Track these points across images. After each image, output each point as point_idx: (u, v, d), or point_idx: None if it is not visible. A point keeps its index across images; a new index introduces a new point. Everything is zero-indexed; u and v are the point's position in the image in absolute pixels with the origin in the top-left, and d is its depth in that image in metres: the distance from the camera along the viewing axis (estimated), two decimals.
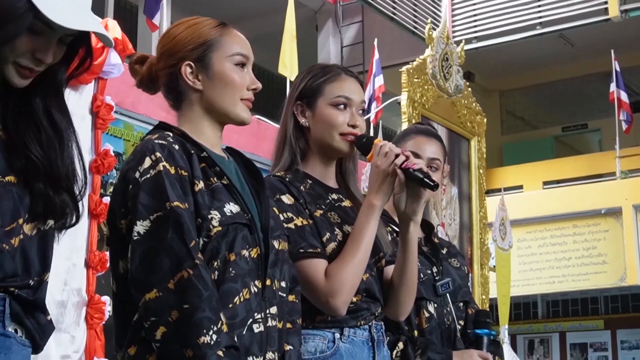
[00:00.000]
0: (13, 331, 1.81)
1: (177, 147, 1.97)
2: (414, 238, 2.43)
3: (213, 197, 1.96)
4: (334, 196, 2.45)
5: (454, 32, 13.50)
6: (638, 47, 13.40)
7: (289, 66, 8.55)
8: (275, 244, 2.06)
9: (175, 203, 1.88)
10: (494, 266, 7.07)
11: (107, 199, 4.71)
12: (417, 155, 2.89)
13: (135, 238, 1.87)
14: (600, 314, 14.61)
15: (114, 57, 4.97)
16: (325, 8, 13.04)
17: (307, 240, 2.27)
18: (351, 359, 2.31)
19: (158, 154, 1.93)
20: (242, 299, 1.93)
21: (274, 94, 10.76)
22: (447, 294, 2.93)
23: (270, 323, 1.99)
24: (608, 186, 12.52)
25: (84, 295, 4.83)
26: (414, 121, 5.05)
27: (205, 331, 1.79)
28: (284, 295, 2.07)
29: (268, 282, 2.00)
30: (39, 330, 1.86)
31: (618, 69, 12.56)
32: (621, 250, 11.95)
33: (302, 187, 2.38)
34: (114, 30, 5.23)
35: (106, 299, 4.74)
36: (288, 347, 2.06)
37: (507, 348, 7.20)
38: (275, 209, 2.18)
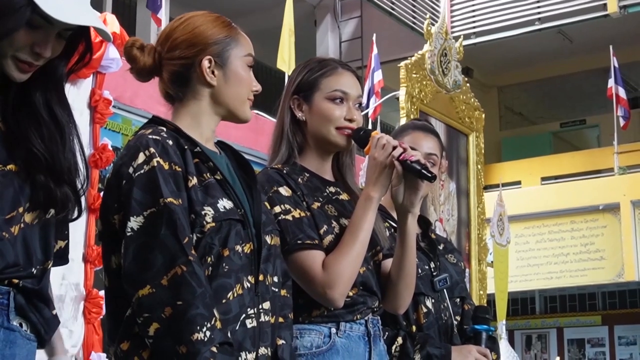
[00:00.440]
0: (18, 325, 1.82)
1: (170, 142, 1.96)
2: (412, 231, 2.42)
3: (206, 193, 1.96)
4: (331, 189, 2.44)
5: (452, 27, 13.50)
6: (637, 43, 13.41)
7: (287, 61, 8.55)
8: (268, 239, 2.06)
9: (169, 199, 1.87)
10: (492, 262, 7.07)
11: None
12: (414, 150, 2.90)
13: (128, 234, 1.87)
14: (597, 310, 14.64)
15: (112, 52, 4.97)
16: (324, 3, 13.03)
17: (304, 232, 2.27)
18: (347, 354, 2.30)
19: (152, 150, 1.92)
20: (235, 295, 1.93)
21: (272, 89, 10.76)
22: (445, 290, 2.94)
23: (263, 318, 1.99)
24: (606, 182, 12.54)
25: (81, 290, 4.84)
26: (412, 116, 5.06)
27: (198, 328, 1.79)
28: (277, 290, 2.07)
29: (261, 277, 2.01)
30: (44, 324, 1.87)
31: (616, 64, 12.56)
32: (619, 246, 11.96)
33: (299, 180, 2.38)
34: (113, 25, 5.22)
35: (104, 293, 4.74)
36: (280, 342, 2.07)
37: (504, 343, 7.20)
38: (266, 203, 2.18)
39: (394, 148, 2.31)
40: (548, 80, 16.44)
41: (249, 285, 1.97)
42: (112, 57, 4.99)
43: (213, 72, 2.07)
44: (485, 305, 5.12)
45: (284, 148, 2.45)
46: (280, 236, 2.20)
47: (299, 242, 2.25)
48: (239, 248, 1.96)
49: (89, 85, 5.24)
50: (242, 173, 2.13)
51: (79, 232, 4.73)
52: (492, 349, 2.94)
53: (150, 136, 1.96)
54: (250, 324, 1.95)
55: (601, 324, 14.40)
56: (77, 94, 5.12)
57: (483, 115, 6.08)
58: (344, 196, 2.46)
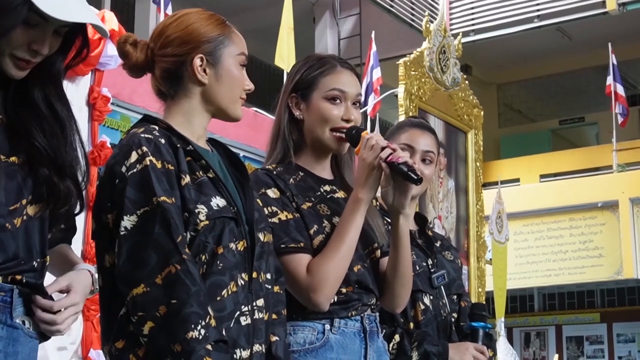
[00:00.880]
0: (20, 322, 1.83)
1: (163, 141, 1.97)
2: (405, 231, 2.41)
3: (199, 191, 1.96)
4: (327, 188, 2.43)
5: (451, 24, 13.49)
6: (635, 40, 13.41)
7: (286, 58, 8.54)
8: (261, 236, 2.06)
9: (162, 198, 1.88)
10: (491, 259, 7.08)
11: None
12: (411, 148, 2.90)
13: (122, 233, 1.87)
14: (596, 307, 14.64)
15: (110, 49, 4.96)
16: (323, 0, 13.02)
17: (289, 235, 2.26)
18: (342, 350, 2.30)
19: (144, 148, 1.92)
20: (229, 292, 1.94)
21: (271, 86, 10.76)
22: (442, 287, 2.94)
23: (257, 315, 2.00)
24: (605, 179, 12.53)
25: None
26: (411, 114, 5.06)
27: (193, 326, 1.80)
28: (270, 287, 2.08)
29: (254, 274, 2.01)
30: None
31: (615, 62, 12.55)
32: (617, 244, 11.96)
33: (291, 180, 2.37)
34: (111, 22, 5.22)
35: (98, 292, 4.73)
36: (274, 338, 2.07)
37: (503, 341, 7.21)
38: (259, 201, 2.18)
39: (383, 149, 2.29)
40: (547, 78, 16.43)
41: (242, 282, 1.98)
42: (110, 54, 4.99)
43: (205, 71, 2.07)
44: (482, 302, 5.12)
45: (279, 146, 2.44)
46: None
47: (282, 245, 2.25)
48: (232, 246, 1.97)
49: (87, 83, 5.24)
50: (234, 170, 2.13)
51: (78, 228, 4.73)
52: (489, 345, 2.94)
53: (142, 135, 1.96)
54: (244, 321, 1.96)
55: (600, 321, 14.40)
56: (76, 91, 5.12)
57: (482, 113, 6.08)
58: (340, 194, 2.44)
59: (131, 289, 1.84)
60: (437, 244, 3.06)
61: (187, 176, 1.96)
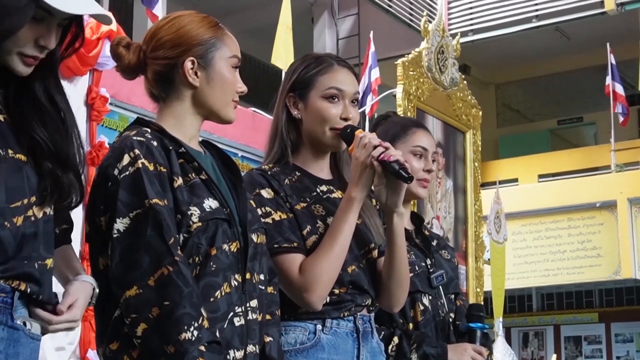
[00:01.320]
0: (21, 324, 1.83)
1: (155, 143, 1.97)
2: (400, 230, 2.40)
3: (192, 193, 1.97)
4: (323, 188, 2.43)
5: (449, 24, 13.49)
6: (634, 40, 13.39)
7: (284, 58, 8.53)
8: (254, 237, 2.07)
9: (154, 200, 1.89)
10: (489, 259, 7.08)
11: None
12: (425, 150, 2.91)
13: (115, 235, 1.88)
14: (594, 307, 14.65)
15: (109, 49, 4.96)
16: (321, 0, 13.02)
17: (283, 235, 2.27)
18: (333, 350, 2.31)
19: (137, 151, 1.93)
20: (223, 293, 1.95)
21: (269, 86, 10.75)
22: (440, 286, 2.94)
23: (250, 316, 2.01)
24: (603, 179, 12.53)
25: None
26: (409, 114, 5.05)
27: (186, 327, 1.81)
28: (263, 287, 2.08)
29: (248, 275, 2.02)
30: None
31: (614, 62, 12.56)
32: (616, 244, 11.96)
33: (286, 180, 2.37)
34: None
35: None
36: (268, 339, 2.08)
37: (501, 341, 7.21)
38: (252, 202, 2.19)
39: (375, 147, 2.29)
40: (545, 78, 16.44)
41: (236, 283, 1.98)
42: (108, 54, 4.99)
43: (196, 74, 2.07)
44: (480, 303, 5.12)
45: (277, 146, 2.44)
46: None
47: (275, 245, 2.25)
48: (225, 247, 1.98)
49: (86, 83, 5.25)
50: (227, 172, 2.14)
51: (76, 229, 4.72)
52: (485, 344, 2.95)
53: (134, 138, 1.96)
54: (238, 322, 1.97)
55: (598, 321, 14.40)
56: (74, 92, 5.12)
57: (480, 113, 6.08)
58: (337, 194, 2.44)
59: (124, 291, 1.85)
60: (434, 243, 3.07)
61: (180, 178, 1.96)
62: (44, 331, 1.91)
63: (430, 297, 2.88)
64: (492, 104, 16.71)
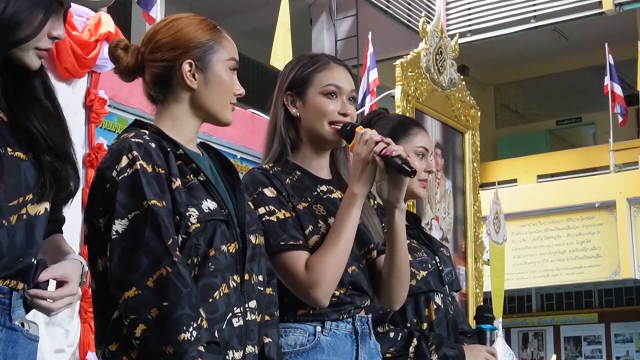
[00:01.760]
0: (19, 325, 1.83)
1: (153, 145, 1.98)
2: (401, 226, 2.40)
3: (190, 194, 1.97)
4: (323, 188, 2.44)
5: (448, 25, 13.49)
6: (632, 40, 13.40)
7: (283, 60, 8.53)
8: (252, 238, 2.07)
9: (153, 201, 1.89)
10: (488, 260, 7.08)
11: None
12: (427, 150, 2.92)
13: (113, 237, 1.89)
14: (594, 308, 14.65)
15: (107, 51, 4.96)
16: (320, 1, 13.01)
17: (288, 233, 2.27)
18: (332, 352, 2.31)
19: (135, 153, 1.93)
20: (221, 294, 1.95)
21: (268, 87, 10.75)
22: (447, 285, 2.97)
23: (249, 317, 2.01)
24: (602, 180, 12.54)
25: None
26: (408, 115, 5.06)
27: (185, 328, 1.81)
28: (262, 288, 2.09)
29: (246, 276, 2.02)
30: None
31: (612, 62, 12.57)
32: (615, 244, 11.97)
33: (288, 180, 2.38)
34: (108, 24, 5.22)
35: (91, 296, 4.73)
36: (267, 340, 2.08)
37: (501, 341, 7.21)
38: (250, 203, 2.19)
39: (376, 143, 2.30)
40: (544, 78, 16.44)
41: (234, 284, 1.99)
42: (107, 56, 4.98)
43: (194, 76, 2.08)
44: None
45: (276, 145, 2.45)
46: (265, 238, 2.20)
47: (281, 243, 2.26)
48: (224, 248, 1.98)
49: (84, 85, 5.24)
50: (225, 174, 2.14)
51: (75, 231, 4.73)
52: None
53: (132, 139, 1.97)
54: (237, 322, 1.97)
55: (597, 321, 14.40)
56: (72, 94, 5.12)
57: (479, 113, 6.09)
58: (336, 194, 2.44)
59: (123, 292, 1.85)
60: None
61: (178, 179, 1.97)
62: (47, 313, 1.91)
63: (442, 296, 2.90)
64: (491, 105, 16.71)
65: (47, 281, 1.91)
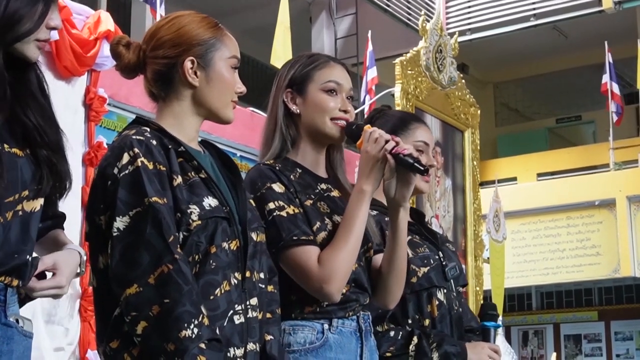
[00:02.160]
0: (14, 321, 1.83)
1: (154, 142, 1.98)
2: (404, 225, 2.42)
3: (191, 191, 1.98)
4: (323, 186, 2.45)
5: (447, 23, 13.49)
6: (631, 38, 13.39)
7: (283, 58, 8.53)
8: (254, 235, 2.07)
9: (154, 198, 1.89)
10: (488, 258, 7.09)
11: None
12: (427, 145, 2.93)
13: (115, 234, 1.89)
14: (594, 305, 14.65)
15: (106, 50, 4.95)
16: (319, 0, 13.02)
17: (299, 228, 2.28)
18: (340, 349, 2.32)
19: (136, 150, 1.94)
20: (222, 291, 1.95)
21: (267, 86, 10.74)
22: (452, 279, 2.96)
23: (250, 314, 2.01)
24: (602, 178, 12.53)
25: (77, 288, 4.83)
26: None
27: (186, 325, 1.81)
28: (263, 286, 2.09)
29: (248, 273, 2.03)
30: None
31: (611, 60, 12.56)
32: (615, 242, 11.96)
33: (291, 176, 2.38)
34: (107, 22, 5.22)
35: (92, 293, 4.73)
36: (269, 337, 2.09)
37: (501, 340, 7.22)
38: (252, 201, 2.19)
39: (387, 142, 2.31)
40: (544, 76, 16.44)
41: (236, 281, 1.99)
42: (106, 54, 4.99)
43: (195, 73, 2.08)
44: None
45: (277, 142, 2.45)
46: (275, 233, 2.22)
47: (294, 237, 2.26)
48: (225, 245, 1.98)
49: (84, 83, 5.24)
50: (226, 171, 2.15)
51: (75, 230, 4.73)
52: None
53: (134, 137, 1.97)
54: (238, 320, 1.97)
55: (597, 319, 14.40)
56: (72, 92, 5.12)
57: (478, 112, 6.09)
58: (335, 193, 2.46)
59: (124, 289, 1.85)
60: (438, 237, 3.08)
61: (179, 177, 1.97)
62: (28, 295, 1.91)
63: (445, 291, 2.89)
64: (491, 103, 16.72)
65: (43, 274, 1.91)
